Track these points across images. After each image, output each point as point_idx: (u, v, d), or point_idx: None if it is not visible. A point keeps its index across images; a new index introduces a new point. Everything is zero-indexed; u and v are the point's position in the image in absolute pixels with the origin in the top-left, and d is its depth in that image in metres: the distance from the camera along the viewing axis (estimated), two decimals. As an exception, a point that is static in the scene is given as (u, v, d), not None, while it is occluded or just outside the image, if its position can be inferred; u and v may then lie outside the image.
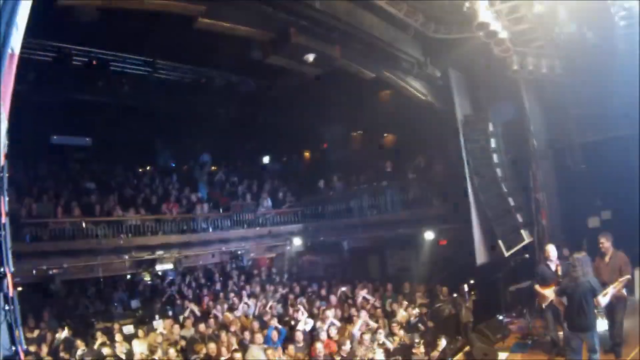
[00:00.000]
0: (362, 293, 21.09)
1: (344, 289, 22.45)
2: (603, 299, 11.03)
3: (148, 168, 30.67)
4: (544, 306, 13.71)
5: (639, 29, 14.01)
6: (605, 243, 12.96)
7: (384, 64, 18.50)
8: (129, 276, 24.36)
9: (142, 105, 25.42)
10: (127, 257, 21.68)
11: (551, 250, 13.91)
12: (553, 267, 13.59)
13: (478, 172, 18.92)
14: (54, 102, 22.33)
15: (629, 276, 12.38)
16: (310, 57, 15.89)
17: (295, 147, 32.80)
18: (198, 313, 21.15)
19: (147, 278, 23.98)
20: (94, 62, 22.06)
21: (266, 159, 34.35)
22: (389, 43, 17.57)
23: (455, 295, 18.96)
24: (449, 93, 19.44)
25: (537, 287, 13.76)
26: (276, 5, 14.53)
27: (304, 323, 18.68)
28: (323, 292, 23.10)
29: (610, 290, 11.30)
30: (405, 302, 19.67)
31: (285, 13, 14.81)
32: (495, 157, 18.91)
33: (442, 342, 14.88)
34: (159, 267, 22.06)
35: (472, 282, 18.95)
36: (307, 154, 33.44)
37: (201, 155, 30.48)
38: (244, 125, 29.60)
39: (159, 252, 22.00)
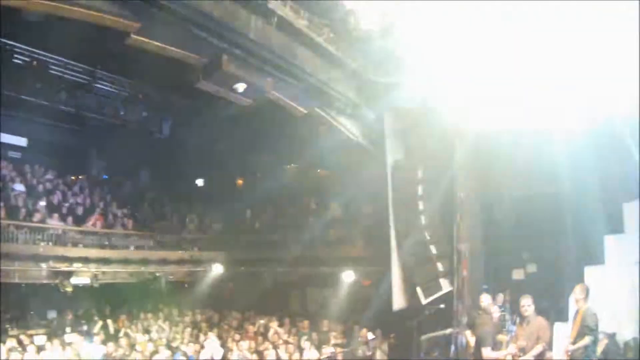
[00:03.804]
0: (273, 325, 20.95)
1: (262, 321, 22.29)
2: None
3: (80, 177, 29.85)
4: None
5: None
6: (530, 306, 12.78)
7: (316, 101, 18.34)
8: (53, 284, 23.69)
9: (78, 112, 25.01)
10: (44, 266, 21.08)
11: (485, 299, 13.82)
12: (494, 319, 13.49)
13: (402, 218, 18.85)
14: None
15: (544, 344, 12.33)
16: (241, 87, 15.69)
17: (229, 173, 32.41)
18: (111, 331, 20.82)
19: (69, 289, 23.50)
20: (35, 63, 21.67)
21: (201, 181, 33.96)
22: (323, 81, 17.42)
23: (373, 337, 18.89)
24: (381, 136, 19.30)
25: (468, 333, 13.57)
26: (210, 30, 14.30)
27: (211, 352, 18.46)
28: (238, 322, 22.93)
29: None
30: (315, 343, 19.53)
31: (218, 39, 14.58)
32: (421, 205, 18.83)
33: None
34: (75, 280, 21.55)
35: (390, 325, 18.94)
36: (239, 182, 33.12)
37: (134, 170, 30.15)
38: (179, 145, 29.23)
39: (77, 265, 21.55)
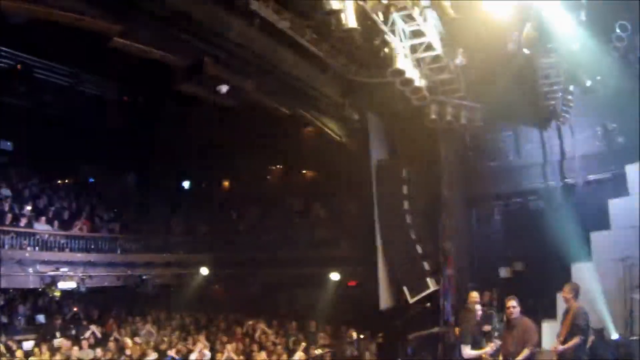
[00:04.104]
0: (261, 326, 20.94)
1: (250, 323, 22.26)
2: None
3: (66, 181, 29.88)
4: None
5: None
6: (515, 308, 12.61)
7: (300, 102, 18.42)
8: (39, 289, 23.57)
9: (64, 116, 24.95)
10: (31, 270, 21.05)
11: (475, 296, 13.80)
12: (477, 317, 13.45)
13: (388, 218, 18.88)
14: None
15: (531, 348, 12.26)
16: (224, 88, 15.64)
17: (215, 174, 32.24)
18: (99, 335, 20.74)
19: (57, 294, 23.38)
20: (19, 67, 21.60)
21: (187, 184, 33.81)
22: (307, 82, 17.49)
23: (361, 337, 18.91)
24: (365, 136, 19.42)
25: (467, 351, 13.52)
26: (192, 33, 14.30)
27: (199, 355, 18.40)
28: (226, 324, 22.88)
29: None
30: (304, 344, 19.49)
31: (200, 41, 14.60)
32: (406, 204, 18.86)
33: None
34: (62, 285, 21.47)
35: (377, 325, 18.95)
36: (225, 184, 32.94)
37: (119, 173, 30.07)
38: (165, 147, 29.12)
39: (63, 269, 21.48)
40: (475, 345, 12.75)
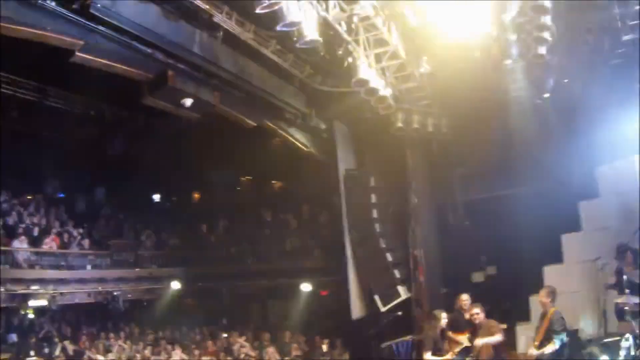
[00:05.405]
0: (238, 340, 20.87)
1: (224, 336, 22.20)
2: None
3: (34, 197, 29.41)
4: (456, 351, 13.49)
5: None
6: (479, 314, 12.76)
7: (266, 113, 18.30)
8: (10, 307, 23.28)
9: (32, 131, 24.68)
10: (2, 289, 20.71)
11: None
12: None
13: (357, 227, 18.89)
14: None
15: (499, 334, 12.33)
16: (188, 102, 15.50)
17: (184, 187, 32.25)
18: (71, 352, 20.58)
19: (30, 312, 23.17)
20: (-17, 82, 21.34)
21: (156, 197, 33.71)
22: (272, 93, 17.42)
23: (334, 346, 18.91)
24: (332, 146, 19.45)
25: (450, 333, 13.57)
26: (155, 46, 14.16)
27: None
28: (200, 338, 22.79)
29: None
30: (277, 356, 19.46)
31: (163, 55, 14.44)
32: (375, 213, 18.88)
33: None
34: (33, 303, 21.30)
35: (350, 335, 18.95)
36: (195, 196, 32.91)
37: (88, 188, 29.83)
38: (133, 161, 28.78)
39: (34, 287, 21.25)
40: (437, 352, 12.94)
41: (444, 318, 13.42)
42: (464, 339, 13.17)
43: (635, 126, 14.88)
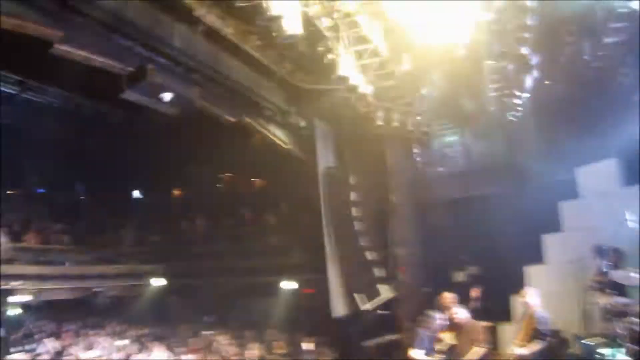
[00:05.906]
0: (220, 339, 20.80)
1: (206, 333, 22.12)
2: None
3: (14, 192, 29.20)
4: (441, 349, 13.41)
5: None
6: (457, 314, 12.72)
7: (245, 110, 18.12)
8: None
9: (10, 125, 24.38)
10: (-19, 285, 20.52)
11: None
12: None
13: (336, 225, 18.83)
14: None
15: (480, 346, 12.25)
16: (167, 96, 15.35)
17: (165, 183, 31.98)
18: (54, 349, 20.42)
19: (13, 309, 22.90)
20: (-40, 75, 21.09)
21: (136, 193, 33.51)
22: (252, 89, 17.30)
23: (313, 346, 18.88)
24: (312, 143, 19.37)
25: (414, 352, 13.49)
26: (135, 39, 14.00)
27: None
28: (183, 335, 22.67)
29: None
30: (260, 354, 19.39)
31: (143, 48, 14.30)
32: (354, 211, 18.83)
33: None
34: (13, 299, 21.08)
35: (333, 333, 18.96)
36: (176, 192, 32.79)
37: (69, 183, 29.63)
38: (114, 156, 28.60)
39: (14, 283, 21.01)
40: (430, 352, 12.88)
41: (438, 318, 13.37)
42: (449, 336, 13.14)
43: (615, 128, 14.93)
